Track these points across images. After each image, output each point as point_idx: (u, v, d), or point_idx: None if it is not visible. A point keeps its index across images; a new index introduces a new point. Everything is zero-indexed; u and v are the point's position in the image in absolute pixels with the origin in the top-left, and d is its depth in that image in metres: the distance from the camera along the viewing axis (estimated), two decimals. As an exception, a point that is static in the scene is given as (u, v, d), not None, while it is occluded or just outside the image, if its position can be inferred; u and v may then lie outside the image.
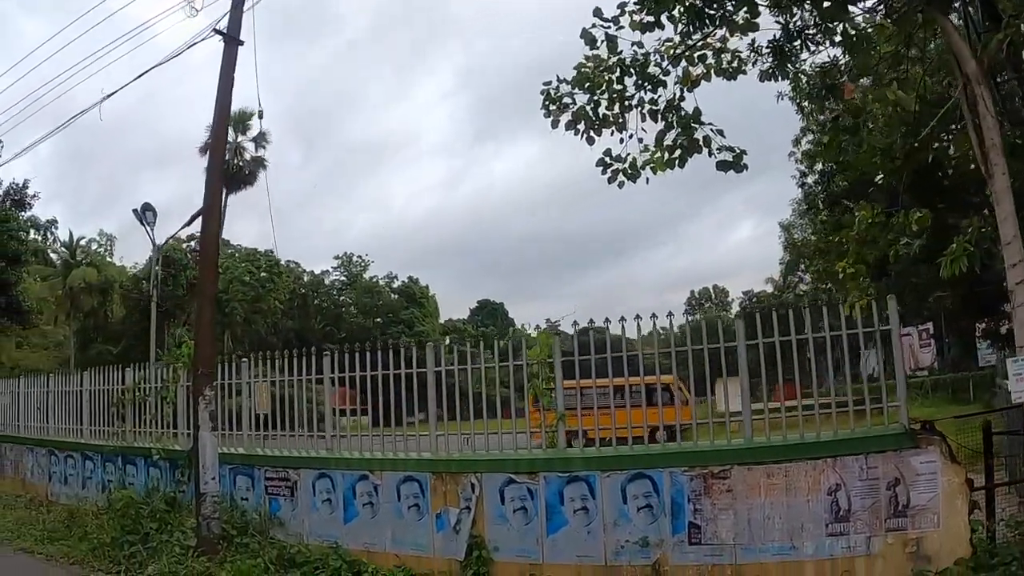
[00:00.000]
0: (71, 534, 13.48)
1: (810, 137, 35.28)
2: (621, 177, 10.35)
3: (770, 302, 60.33)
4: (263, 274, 65.24)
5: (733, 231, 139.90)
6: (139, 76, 14.62)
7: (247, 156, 60.74)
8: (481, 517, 10.18)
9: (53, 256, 62.67)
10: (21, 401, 19.42)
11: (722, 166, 10.16)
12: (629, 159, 10.32)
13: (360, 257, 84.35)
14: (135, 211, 33.21)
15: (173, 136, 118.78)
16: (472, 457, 10.92)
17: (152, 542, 11.73)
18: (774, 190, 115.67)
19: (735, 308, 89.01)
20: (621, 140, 10.43)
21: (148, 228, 32.47)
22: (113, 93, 15.63)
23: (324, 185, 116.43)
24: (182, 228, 28.90)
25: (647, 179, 10.31)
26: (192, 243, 65.35)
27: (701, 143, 10.20)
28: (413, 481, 10.78)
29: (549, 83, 10.32)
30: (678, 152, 10.27)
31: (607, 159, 10.32)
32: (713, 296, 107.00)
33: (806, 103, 15.36)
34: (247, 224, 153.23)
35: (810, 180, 39.72)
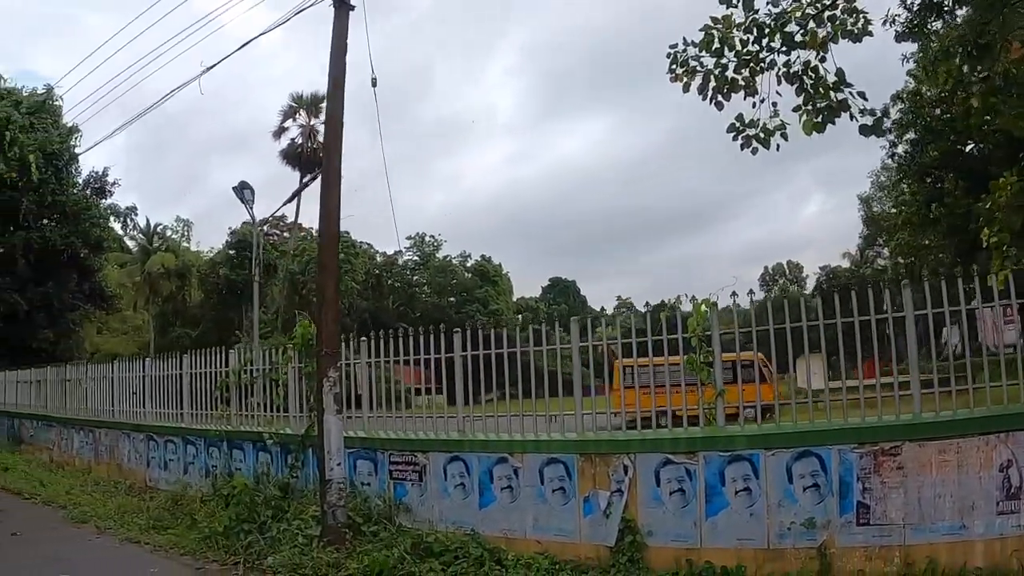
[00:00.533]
0: (178, 522, 12.91)
1: (900, 106, 34.09)
2: (755, 143, 9.73)
3: (848, 277, 58.81)
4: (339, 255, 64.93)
5: (802, 205, 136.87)
6: (241, 47, 14.26)
7: (320, 139, 60.22)
8: (634, 500, 9.45)
9: (130, 243, 63.30)
10: (116, 386, 19.04)
11: (864, 130, 9.49)
12: (761, 124, 9.66)
13: (432, 237, 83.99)
14: (234, 188, 32.74)
15: (241, 124, 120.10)
16: (625, 437, 10.14)
17: (270, 531, 11.13)
18: (844, 163, 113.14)
19: (810, 284, 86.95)
20: (753, 105, 9.75)
21: (247, 206, 32.02)
22: (212, 67, 15.32)
23: (396, 165, 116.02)
24: (284, 204, 28.33)
25: (777, 145, 9.69)
26: (265, 227, 66.03)
27: (840, 106, 9.49)
28: (558, 463, 10.03)
29: (675, 46, 9.72)
30: (820, 116, 9.56)
31: (738, 124, 9.69)
32: (787, 272, 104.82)
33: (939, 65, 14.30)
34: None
35: (900, 150, 38.22)
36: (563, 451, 10.09)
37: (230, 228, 67.09)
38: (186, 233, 72.73)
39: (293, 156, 60.10)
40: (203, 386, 15.65)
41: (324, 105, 45.76)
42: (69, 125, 36.53)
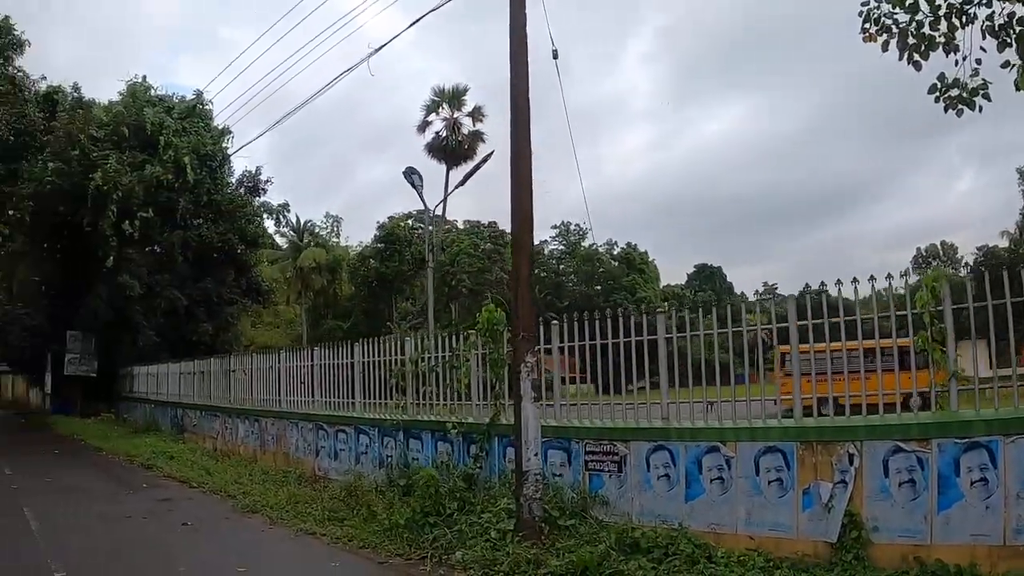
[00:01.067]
0: (354, 514, 12.46)
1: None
2: (959, 105, 8.75)
3: (1008, 257, 55.58)
4: (487, 245, 65.25)
5: (953, 182, 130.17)
6: (412, 24, 13.69)
7: (464, 131, 60.41)
8: (859, 492, 8.54)
9: (279, 239, 64.59)
10: (282, 375, 18.94)
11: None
12: (965, 84, 8.71)
13: (578, 225, 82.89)
14: (403, 173, 32.43)
15: (381, 122, 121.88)
16: (850, 423, 9.18)
17: (456, 525, 10.54)
18: (994, 137, 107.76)
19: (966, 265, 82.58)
20: (956, 63, 8.77)
21: (417, 191, 31.87)
22: (382, 47, 15.08)
23: (537, 154, 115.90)
24: (464, 181, 28.09)
25: (979, 107, 8.72)
26: (411, 221, 66.61)
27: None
28: (776, 452, 9.17)
29: (866, 3, 8.87)
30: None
31: (940, 84, 8.75)
32: (941, 253, 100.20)
33: None
34: (465, 199, 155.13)
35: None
36: (782, 439, 9.24)
37: (378, 222, 68.21)
38: (335, 228, 74.35)
39: (438, 149, 60.36)
40: (376, 375, 15.29)
41: (465, 98, 46.55)
42: (220, 127, 37.82)
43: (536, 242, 70.88)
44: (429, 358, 13.91)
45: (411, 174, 31.61)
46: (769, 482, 9.15)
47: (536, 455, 10.16)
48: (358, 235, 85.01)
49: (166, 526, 12.81)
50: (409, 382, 14.41)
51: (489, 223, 68.23)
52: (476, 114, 61.33)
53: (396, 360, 14.73)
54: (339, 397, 16.39)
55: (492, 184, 67.78)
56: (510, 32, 11.00)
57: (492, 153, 28.21)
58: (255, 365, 20.78)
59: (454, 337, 13.57)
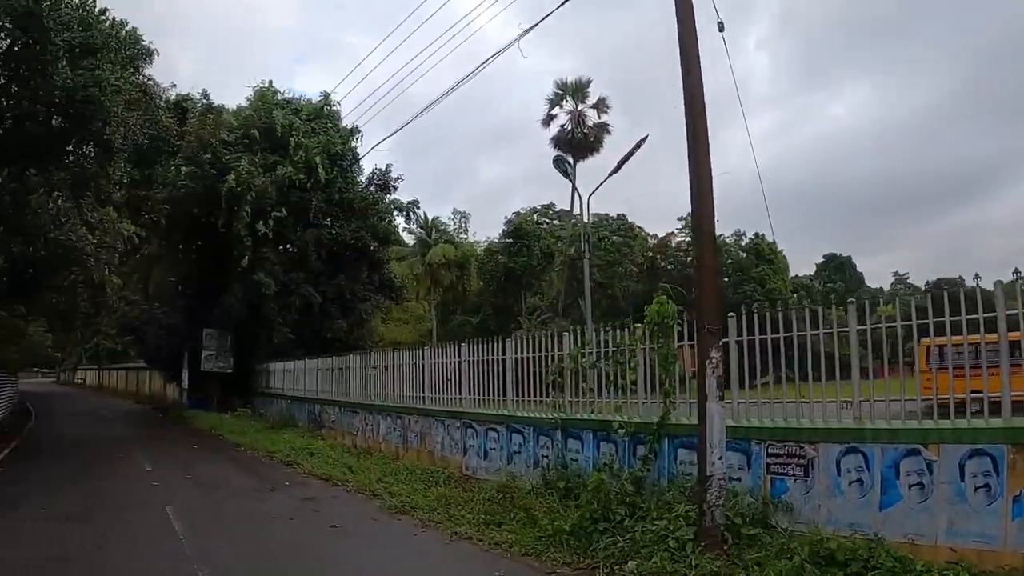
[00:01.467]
0: (510, 518, 11.86)
1: None
2: None
3: None
4: (615, 238, 64.49)
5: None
6: (552, 13, 13.18)
7: (590, 123, 59.62)
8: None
9: (406, 237, 65.05)
10: (427, 372, 18.59)
11: None
12: None
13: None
14: (554, 162, 32.80)
15: (498, 120, 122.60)
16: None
17: (629, 532, 9.89)
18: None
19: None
20: None
21: (570, 178, 32.00)
22: (531, 28, 14.57)
23: (655, 147, 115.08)
24: (617, 168, 27.42)
25: None
26: (535, 216, 66.38)
27: None
28: (984, 456, 8.31)
29: None
30: None
31: None
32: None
33: None
34: (587, 191, 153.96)
35: None
36: (992, 440, 8.37)
37: (505, 217, 68.16)
38: (463, 225, 74.64)
39: (564, 142, 59.59)
40: (529, 371, 14.78)
41: (589, 90, 46.08)
42: (348, 127, 37.99)
43: (662, 234, 70.40)
44: (590, 353, 13.30)
45: (561, 162, 31.30)
46: (976, 488, 8.33)
47: (721, 458, 9.48)
48: (482, 231, 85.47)
49: (313, 527, 12.51)
50: (567, 379, 13.84)
51: (617, 215, 67.44)
52: (600, 106, 60.38)
53: (551, 356, 14.17)
54: (489, 395, 15.92)
55: (614, 177, 67.05)
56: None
57: (647, 138, 27.41)
58: (398, 361, 20.45)
59: (618, 331, 12.94)
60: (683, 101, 10.18)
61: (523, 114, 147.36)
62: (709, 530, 9.22)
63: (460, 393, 16.95)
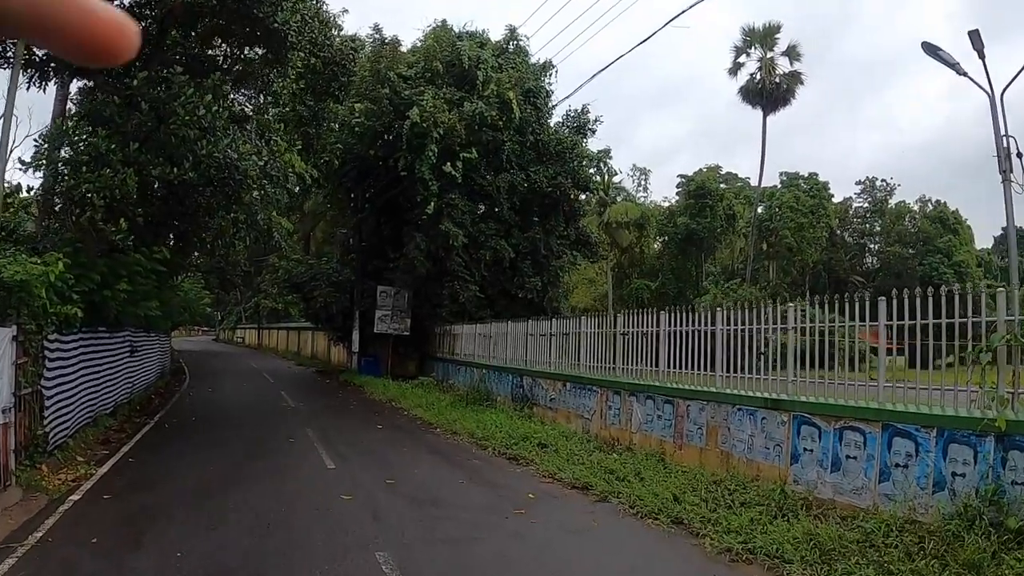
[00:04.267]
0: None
1: None
2: None
3: None
4: (810, 200, 59.09)
5: None
6: None
7: (781, 71, 54.17)
8: None
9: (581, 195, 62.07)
10: (718, 340, 13.93)
11: None
12: None
13: (884, 181, 75.29)
14: (922, 46, 22.51)
15: (663, 78, 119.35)
16: None
17: None
18: None
19: None
20: None
21: (979, 53, 21.25)
22: None
23: (825, 108, 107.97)
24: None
25: None
26: (717, 176, 61.93)
27: None
28: None
29: None
30: None
31: None
32: None
33: None
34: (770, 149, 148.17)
35: None
36: None
37: (679, 177, 64.28)
38: (641, 182, 70.99)
39: (754, 93, 54.29)
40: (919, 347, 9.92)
41: (778, 36, 41.10)
42: (541, 63, 34.65)
43: (839, 199, 65.49)
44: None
45: (935, 51, 22.26)
46: None
47: None
48: (667, 191, 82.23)
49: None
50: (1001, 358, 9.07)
51: (809, 174, 61.72)
52: (792, 53, 54.85)
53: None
54: (842, 378, 11.20)
55: (796, 134, 62.17)
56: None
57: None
58: (665, 328, 15.63)
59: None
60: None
61: (686, 71, 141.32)
62: None
63: (787, 374, 12.15)
